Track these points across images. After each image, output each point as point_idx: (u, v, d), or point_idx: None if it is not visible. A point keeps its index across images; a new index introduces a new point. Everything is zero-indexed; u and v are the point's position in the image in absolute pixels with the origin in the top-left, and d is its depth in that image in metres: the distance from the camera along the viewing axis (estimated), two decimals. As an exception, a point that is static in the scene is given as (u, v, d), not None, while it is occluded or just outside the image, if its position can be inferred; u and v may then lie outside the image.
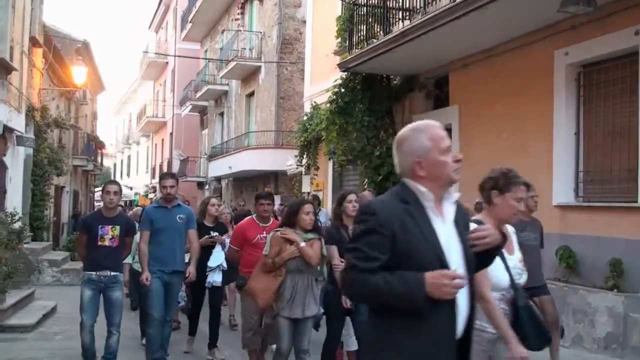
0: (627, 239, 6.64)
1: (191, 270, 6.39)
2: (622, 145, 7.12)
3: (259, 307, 5.25)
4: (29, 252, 12.34)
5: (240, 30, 23.01)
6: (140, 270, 6.61)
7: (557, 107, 7.82)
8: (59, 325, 8.93)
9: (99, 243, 5.94)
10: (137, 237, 6.92)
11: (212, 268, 7.07)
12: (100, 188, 41.98)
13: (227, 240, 7.04)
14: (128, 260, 7.34)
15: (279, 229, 5.31)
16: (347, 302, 5.28)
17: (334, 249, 5.41)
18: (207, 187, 27.56)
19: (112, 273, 6.02)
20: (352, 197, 5.62)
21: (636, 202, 6.68)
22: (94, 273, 5.99)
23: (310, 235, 5.20)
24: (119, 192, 6.11)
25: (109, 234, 5.97)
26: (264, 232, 5.80)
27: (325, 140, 11.99)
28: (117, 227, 6.01)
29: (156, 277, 6.13)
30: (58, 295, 11.13)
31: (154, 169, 40.05)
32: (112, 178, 55.93)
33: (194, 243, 6.46)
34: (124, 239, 6.11)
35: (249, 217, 6.39)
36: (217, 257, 7.13)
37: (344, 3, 11.96)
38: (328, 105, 11.57)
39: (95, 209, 6.94)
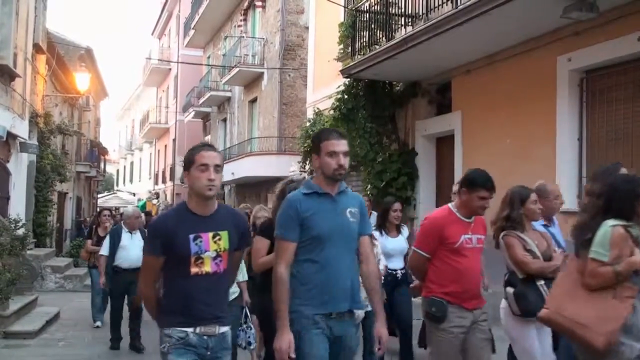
0: (631, 245, 6.64)
1: (359, 315, 3.68)
2: (625, 151, 7.11)
3: (598, 351, 3.11)
4: (32, 259, 12.34)
5: (243, 37, 23.07)
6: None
7: (560, 112, 7.81)
8: (62, 332, 8.95)
9: (193, 270, 3.09)
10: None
11: None
12: (103, 195, 41.63)
13: None
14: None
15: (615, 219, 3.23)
16: None
17: None
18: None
19: (222, 329, 3.20)
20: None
21: (640, 208, 6.66)
22: (189, 330, 3.11)
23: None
24: (221, 167, 3.20)
25: (211, 250, 3.13)
26: (470, 232, 3.95)
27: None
28: (224, 234, 3.18)
29: (316, 329, 3.26)
30: (61, 302, 11.15)
31: (157, 176, 40.13)
32: (115, 185, 56.16)
33: (369, 259, 3.51)
34: (232, 254, 3.27)
35: (445, 206, 4.21)
36: None
37: (346, 9, 12.01)
38: (331, 111, 11.59)
39: (170, 205, 3.84)
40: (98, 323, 9.36)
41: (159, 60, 37.46)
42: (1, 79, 11.67)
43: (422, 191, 10.74)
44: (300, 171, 15.08)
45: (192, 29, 28.34)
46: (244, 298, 5.73)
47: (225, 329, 3.22)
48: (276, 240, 3.40)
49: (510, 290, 4.23)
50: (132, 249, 7.62)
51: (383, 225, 6.22)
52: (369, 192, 10.94)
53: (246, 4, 23.75)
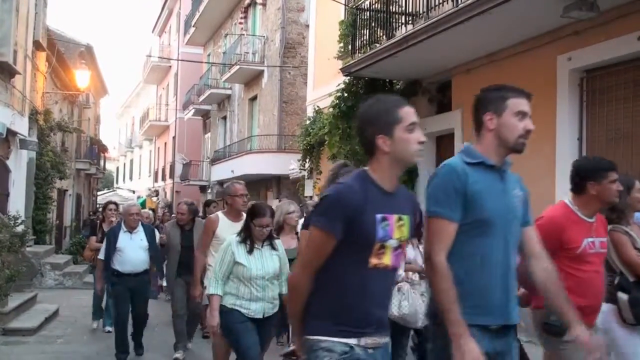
0: (630, 244, 6.63)
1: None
2: (625, 151, 7.11)
3: None
4: (31, 256, 12.36)
5: (243, 35, 23.06)
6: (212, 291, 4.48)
7: (560, 112, 7.81)
8: (61, 329, 8.94)
9: (373, 261, 2.40)
10: None
11: None
12: (103, 192, 41.59)
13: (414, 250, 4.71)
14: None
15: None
16: None
17: None
18: (209, 190, 27.59)
19: (385, 338, 2.55)
20: None
21: None
22: (353, 342, 2.41)
23: None
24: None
25: (394, 237, 2.46)
26: (592, 235, 3.40)
27: (329, 144, 12.00)
28: (407, 219, 2.52)
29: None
30: (60, 299, 11.16)
31: (156, 173, 40.14)
32: (115, 182, 56.15)
33: (541, 254, 2.78)
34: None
35: (560, 202, 3.59)
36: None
37: (347, 7, 12.00)
38: (331, 109, 11.59)
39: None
40: (95, 324, 8.93)
41: (159, 57, 37.42)
42: (1, 75, 11.66)
43: (422, 189, 10.73)
44: (300, 169, 15.10)
45: (193, 26, 28.31)
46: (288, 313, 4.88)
47: (387, 338, 2.53)
48: (430, 220, 2.57)
49: (623, 296, 3.71)
50: (130, 252, 6.75)
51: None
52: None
53: (247, 1, 23.73)
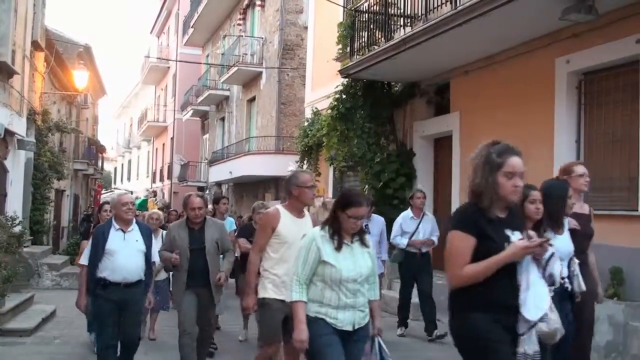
0: (627, 247, 6.63)
1: None
2: (622, 154, 7.12)
3: None
4: (28, 256, 12.34)
5: (242, 36, 23.06)
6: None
7: (558, 114, 7.82)
8: (58, 330, 8.92)
9: None
10: None
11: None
12: (107, 192, 41.31)
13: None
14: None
15: None
16: None
17: None
18: (207, 192, 27.56)
19: None
20: None
21: (637, 210, 6.67)
22: None
23: None
24: None
25: None
26: None
27: (326, 146, 12.01)
28: None
29: None
30: (57, 299, 11.11)
31: (154, 174, 40.12)
32: (113, 182, 56.11)
33: None
34: None
35: None
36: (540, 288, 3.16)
37: (345, 9, 12.01)
38: (329, 111, 11.60)
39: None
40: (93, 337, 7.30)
41: (157, 58, 37.44)
42: (-1, 76, 11.65)
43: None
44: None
45: (191, 27, 28.32)
46: (376, 324, 3.94)
47: None
48: None
49: None
50: (123, 256, 5.41)
51: (556, 217, 4.46)
52: (366, 193, 10.94)
53: (245, 3, 23.74)
